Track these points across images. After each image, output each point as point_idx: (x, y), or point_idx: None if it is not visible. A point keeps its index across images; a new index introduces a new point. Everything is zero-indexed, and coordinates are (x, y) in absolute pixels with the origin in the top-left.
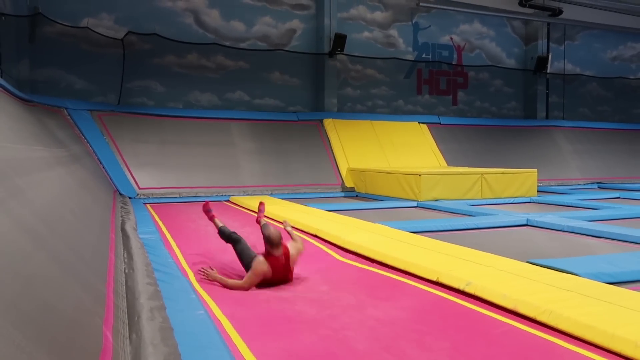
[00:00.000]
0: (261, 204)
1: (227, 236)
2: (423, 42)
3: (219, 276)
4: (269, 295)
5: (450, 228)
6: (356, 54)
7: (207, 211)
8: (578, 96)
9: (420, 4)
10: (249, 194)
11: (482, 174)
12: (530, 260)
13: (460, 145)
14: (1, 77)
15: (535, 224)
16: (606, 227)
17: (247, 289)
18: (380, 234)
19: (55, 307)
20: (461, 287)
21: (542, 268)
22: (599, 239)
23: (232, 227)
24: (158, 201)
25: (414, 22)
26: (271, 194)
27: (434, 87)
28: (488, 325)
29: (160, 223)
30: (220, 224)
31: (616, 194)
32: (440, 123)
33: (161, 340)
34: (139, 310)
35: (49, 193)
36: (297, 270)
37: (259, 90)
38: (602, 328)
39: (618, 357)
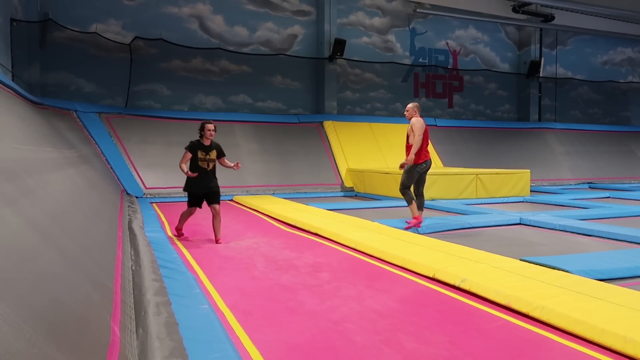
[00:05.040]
0: None
1: None
2: (420, 47)
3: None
4: (271, 286)
5: (446, 227)
6: (355, 59)
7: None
8: (569, 99)
9: (417, 10)
10: (251, 194)
11: (477, 175)
12: (523, 258)
13: (455, 146)
14: (13, 80)
15: (528, 223)
16: (597, 226)
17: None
18: (379, 232)
19: (64, 303)
20: (457, 283)
21: (535, 265)
22: (589, 237)
23: (235, 225)
24: (164, 200)
25: (411, 27)
26: (273, 194)
27: (431, 91)
28: (483, 320)
29: (165, 222)
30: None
31: (606, 193)
32: (436, 125)
33: (167, 335)
34: (146, 306)
35: (59, 193)
36: (298, 263)
37: (262, 93)
38: (592, 323)
39: (608, 351)
